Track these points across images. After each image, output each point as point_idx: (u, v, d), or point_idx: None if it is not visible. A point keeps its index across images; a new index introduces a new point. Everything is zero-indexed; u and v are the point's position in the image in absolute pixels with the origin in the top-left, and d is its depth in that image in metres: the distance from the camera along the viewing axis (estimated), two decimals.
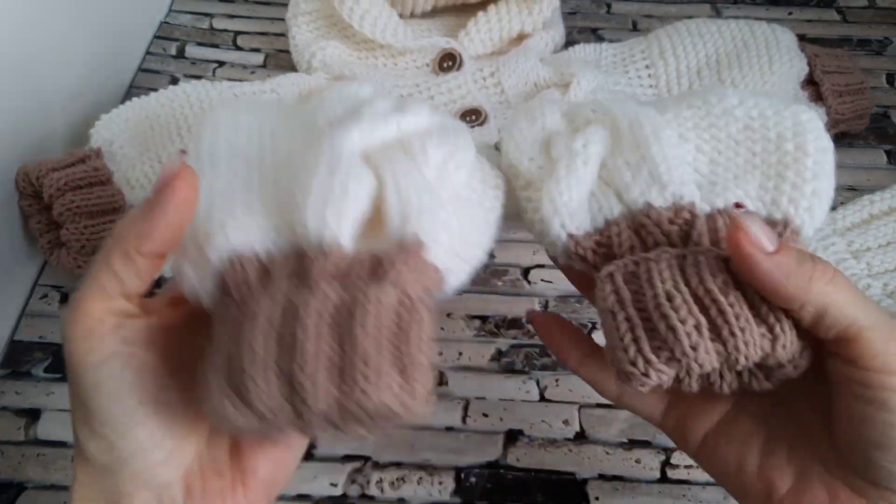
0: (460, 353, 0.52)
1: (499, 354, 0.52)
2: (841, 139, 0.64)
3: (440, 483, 0.46)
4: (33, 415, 0.48)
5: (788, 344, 0.28)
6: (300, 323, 0.25)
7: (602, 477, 0.46)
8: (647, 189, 0.31)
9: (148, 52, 0.71)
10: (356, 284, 0.26)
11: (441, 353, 0.52)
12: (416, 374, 0.26)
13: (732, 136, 0.33)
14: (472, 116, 0.61)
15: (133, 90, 0.67)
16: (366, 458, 0.47)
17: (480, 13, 0.65)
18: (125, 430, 0.27)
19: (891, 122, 0.66)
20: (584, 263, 0.32)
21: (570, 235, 0.32)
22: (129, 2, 0.67)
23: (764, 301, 0.28)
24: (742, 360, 0.27)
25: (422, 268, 0.28)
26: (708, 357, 0.27)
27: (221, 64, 0.70)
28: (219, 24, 0.74)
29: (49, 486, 0.45)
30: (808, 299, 0.27)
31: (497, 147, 0.58)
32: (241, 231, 0.28)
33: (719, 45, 0.63)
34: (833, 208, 0.56)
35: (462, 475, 0.46)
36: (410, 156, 0.30)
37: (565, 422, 0.49)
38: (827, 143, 0.32)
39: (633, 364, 0.28)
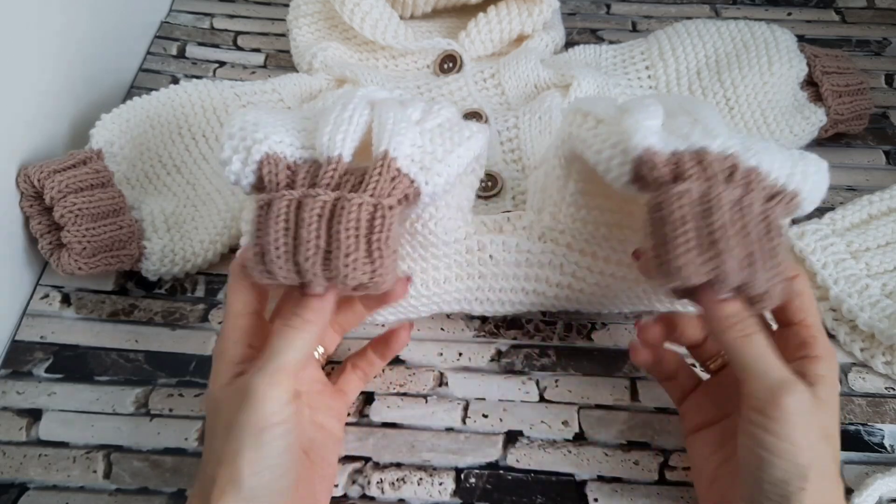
0: (460, 354, 0.52)
1: (498, 355, 0.52)
2: (840, 140, 0.64)
3: (440, 484, 0.46)
4: (35, 415, 0.48)
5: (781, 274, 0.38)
6: (301, 218, 0.38)
7: (601, 478, 0.46)
8: (703, 138, 0.38)
9: (148, 52, 0.71)
10: (343, 193, 0.38)
11: (441, 354, 0.52)
12: (383, 260, 0.38)
13: None
14: (473, 119, 0.61)
15: (134, 90, 0.67)
16: (366, 459, 0.47)
17: (480, 14, 0.65)
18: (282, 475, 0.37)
19: (890, 122, 0.66)
20: (648, 176, 0.38)
21: (648, 148, 0.38)
22: (129, 2, 0.68)
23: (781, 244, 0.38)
24: (757, 288, 0.37)
25: (395, 176, 0.39)
26: (737, 277, 0.36)
27: (222, 64, 0.70)
28: (219, 24, 0.74)
29: (51, 486, 0.46)
30: (721, 345, 0.39)
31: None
32: (279, 143, 0.40)
33: (719, 46, 0.63)
34: (832, 209, 0.57)
35: (462, 476, 0.47)
36: (403, 105, 0.42)
37: (564, 423, 0.49)
38: (824, 162, 0.41)
39: (681, 269, 0.36)
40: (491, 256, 0.49)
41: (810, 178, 0.39)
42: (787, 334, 0.41)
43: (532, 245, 0.49)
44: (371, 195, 0.38)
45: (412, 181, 0.40)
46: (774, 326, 0.42)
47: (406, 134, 0.40)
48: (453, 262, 0.49)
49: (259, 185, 0.40)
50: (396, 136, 0.39)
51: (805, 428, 0.36)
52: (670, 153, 0.38)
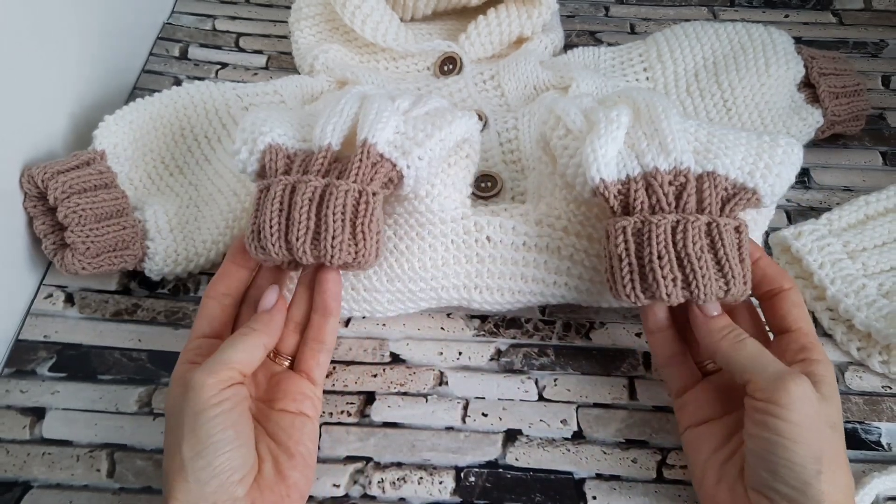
0: (460, 353, 0.52)
1: (498, 354, 0.52)
2: (837, 141, 0.65)
3: (440, 483, 0.47)
4: (38, 413, 0.49)
5: (737, 291, 0.42)
6: (294, 202, 0.42)
7: (599, 476, 0.47)
8: (657, 155, 0.43)
9: (151, 54, 0.71)
10: (332, 180, 0.43)
11: (441, 353, 0.52)
12: (366, 241, 0.43)
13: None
14: None
15: (136, 91, 0.68)
16: (367, 459, 0.47)
17: (480, 17, 0.66)
18: (223, 452, 0.38)
19: (886, 123, 0.67)
20: (605, 202, 0.44)
21: (602, 180, 0.43)
22: (132, 3, 0.68)
23: (727, 259, 0.42)
24: (702, 300, 0.42)
25: (376, 161, 0.44)
26: (677, 299, 0.42)
27: (224, 65, 0.71)
28: (221, 25, 0.74)
29: (55, 485, 0.46)
30: (716, 357, 0.43)
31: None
32: (281, 136, 0.45)
33: (716, 48, 0.64)
34: (829, 209, 0.57)
35: (462, 475, 0.47)
36: (392, 98, 0.46)
37: (563, 421, 0.49)
38: (796, 143, 0.45)
39: (628, 296, 0.43)
40: (489, 238, 0.49)
41: (773, 170, 0.43)
42: (785, 340, 0.43)
43: (529, 228, 0.49)
44: (355, 181, 0.43)
45: (394, 165, 0.44)
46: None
47: (388, 122, 0.44)
48: (451, 243, 0.49)
49: (262, 173, 0.45)
50: (377, 125, 0.44)
51: (813, 414, 0.38)
52: (621, 184, 0.43)
